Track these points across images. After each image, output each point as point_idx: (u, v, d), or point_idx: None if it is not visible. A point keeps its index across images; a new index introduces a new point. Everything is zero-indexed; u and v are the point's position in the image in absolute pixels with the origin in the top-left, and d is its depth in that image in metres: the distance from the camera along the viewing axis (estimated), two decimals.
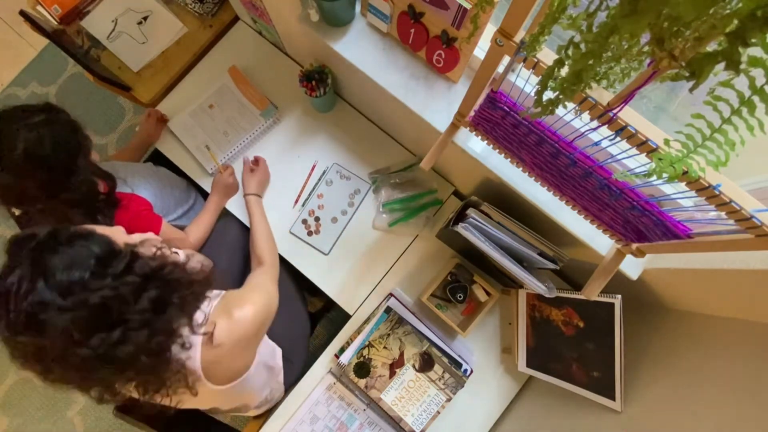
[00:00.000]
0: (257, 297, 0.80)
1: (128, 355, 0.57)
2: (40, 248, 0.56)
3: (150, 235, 0.70)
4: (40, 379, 0.59)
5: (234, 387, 0.77)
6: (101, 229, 0.63)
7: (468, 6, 0.69)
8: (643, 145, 0.47)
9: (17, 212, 0.92)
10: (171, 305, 0.62)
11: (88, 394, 0.62)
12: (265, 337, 1.02)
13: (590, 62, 0.38)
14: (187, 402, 0.75)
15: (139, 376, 0.62)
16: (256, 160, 1.18)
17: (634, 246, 0.69)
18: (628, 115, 0.47)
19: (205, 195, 1.24)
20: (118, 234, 0.64)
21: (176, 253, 0.70)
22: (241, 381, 0.77)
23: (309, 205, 1.19)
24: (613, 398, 0.82)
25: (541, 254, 0.82)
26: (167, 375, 0.63)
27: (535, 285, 0.81)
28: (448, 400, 1.04)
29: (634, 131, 0.47)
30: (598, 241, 0.81)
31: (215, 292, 0.78)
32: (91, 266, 0.55)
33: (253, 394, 0.92)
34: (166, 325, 0.62)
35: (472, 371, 1.06)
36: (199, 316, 0.67)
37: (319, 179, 1.21)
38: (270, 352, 0.99)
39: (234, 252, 1.12)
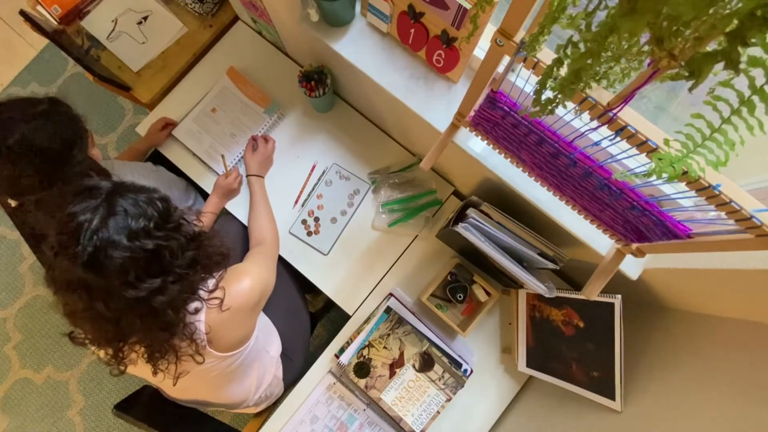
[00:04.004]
0: (255, 271, 0.84)
1: (161, 305, 0.63)
2: (114, 194, 0.62)
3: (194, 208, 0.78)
4: (68, 320, 0.65)
5: (234, 357, 0.80)
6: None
7: (468, 6, 0.69)
8: (643, 145, 0.47)
9: (13, 204, 0.92)
10: (200, 267, 0.70)
11: (100, 352, 0.70)
12: (269, 323, 1.03)
13: (589, 61, 0.38)
14: (189, 379, 0.78)
15: (157, 332, 0.67)
16: (266, 139, 1.19)
17: (634, 246, 0.69)
18: (628, 115, 0.47)
19: (204, 195, 1.24)
20: None
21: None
22: (241, 352, 0.82)
23: (308, 206, 1.19)
24: (613, 398, 0.82)
25: (541, 254, 0.82)
26: (178, 336, 0.69)
27: (535, 285, 0.81)
28: (448, 400, 1.04)
29: (634, 131, 0.47)
30: (598, 241, 0.81)
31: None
32: (154, 217, 0.63)
33: (252, 376, 0.93)
34: (193, 284, 0.70)
35: (472, 371, 1.06)
36: (210, 283, 0.75)
37: (319, 179, 1.21)
38: (269, 337, 1.01)
39: (233, 252, 1.11)
